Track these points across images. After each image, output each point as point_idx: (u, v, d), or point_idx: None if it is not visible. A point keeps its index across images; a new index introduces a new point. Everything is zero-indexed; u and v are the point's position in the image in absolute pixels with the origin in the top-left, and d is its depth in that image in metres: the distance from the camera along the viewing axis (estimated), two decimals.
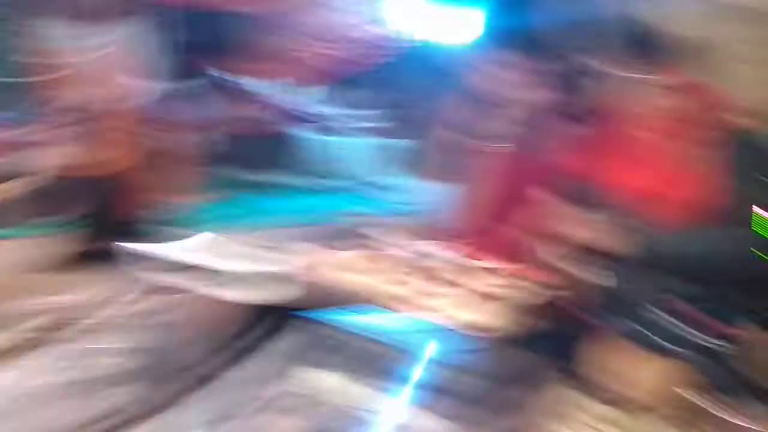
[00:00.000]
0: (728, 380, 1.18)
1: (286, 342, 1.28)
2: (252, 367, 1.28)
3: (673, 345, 1.26)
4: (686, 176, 1.44)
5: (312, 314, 1.28)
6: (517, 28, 1.90)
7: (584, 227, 1.52)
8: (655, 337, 1.32)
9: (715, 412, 1.05)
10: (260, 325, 1.28)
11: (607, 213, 1.51)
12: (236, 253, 1.51)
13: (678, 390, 1.07)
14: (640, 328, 1.42)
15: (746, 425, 1.03)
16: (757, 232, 1.61)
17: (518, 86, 1.84)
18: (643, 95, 1.56)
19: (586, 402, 0.99)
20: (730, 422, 1.04)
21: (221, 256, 1.39)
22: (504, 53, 1.86)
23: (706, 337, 1.30)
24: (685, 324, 1.36)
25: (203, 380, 1.27)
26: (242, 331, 1.31)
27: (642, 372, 1.06)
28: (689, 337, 1.30)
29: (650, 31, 1.57)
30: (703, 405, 1.06)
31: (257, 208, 4.24)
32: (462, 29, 2.59)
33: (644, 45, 1.57)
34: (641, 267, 1.47)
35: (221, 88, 3.05)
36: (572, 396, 0.99)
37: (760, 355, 1.30)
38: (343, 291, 1.71)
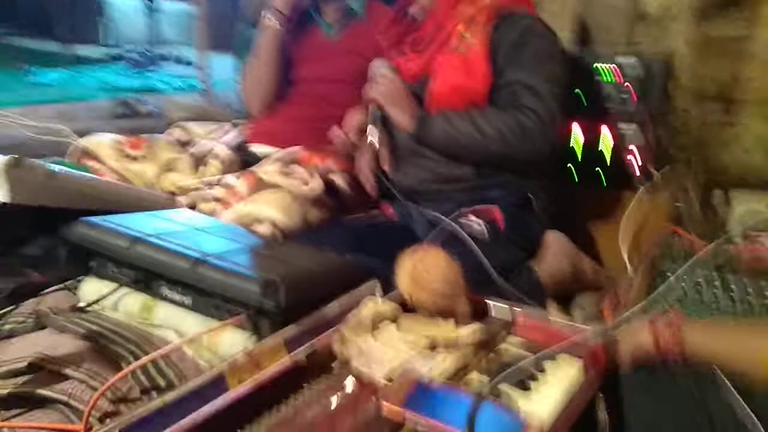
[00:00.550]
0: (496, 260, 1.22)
1: (61, 250, 1.12)
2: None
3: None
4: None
5: (96, 218, 1.12)
6: None
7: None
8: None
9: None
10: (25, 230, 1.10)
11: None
12: None
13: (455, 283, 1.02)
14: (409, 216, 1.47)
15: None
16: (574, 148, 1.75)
17: None
18: None
19: (383, 306, 0.96)
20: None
21: None
22: None
23: (479, 221, 1.35)
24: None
25: None
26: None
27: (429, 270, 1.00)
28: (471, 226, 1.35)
29: None
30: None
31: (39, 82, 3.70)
32: None
33: None
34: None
35: None
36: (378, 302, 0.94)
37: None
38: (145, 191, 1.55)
